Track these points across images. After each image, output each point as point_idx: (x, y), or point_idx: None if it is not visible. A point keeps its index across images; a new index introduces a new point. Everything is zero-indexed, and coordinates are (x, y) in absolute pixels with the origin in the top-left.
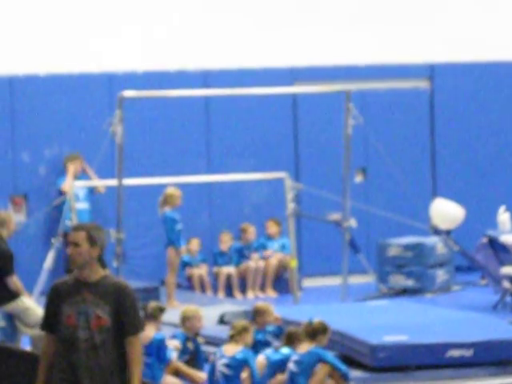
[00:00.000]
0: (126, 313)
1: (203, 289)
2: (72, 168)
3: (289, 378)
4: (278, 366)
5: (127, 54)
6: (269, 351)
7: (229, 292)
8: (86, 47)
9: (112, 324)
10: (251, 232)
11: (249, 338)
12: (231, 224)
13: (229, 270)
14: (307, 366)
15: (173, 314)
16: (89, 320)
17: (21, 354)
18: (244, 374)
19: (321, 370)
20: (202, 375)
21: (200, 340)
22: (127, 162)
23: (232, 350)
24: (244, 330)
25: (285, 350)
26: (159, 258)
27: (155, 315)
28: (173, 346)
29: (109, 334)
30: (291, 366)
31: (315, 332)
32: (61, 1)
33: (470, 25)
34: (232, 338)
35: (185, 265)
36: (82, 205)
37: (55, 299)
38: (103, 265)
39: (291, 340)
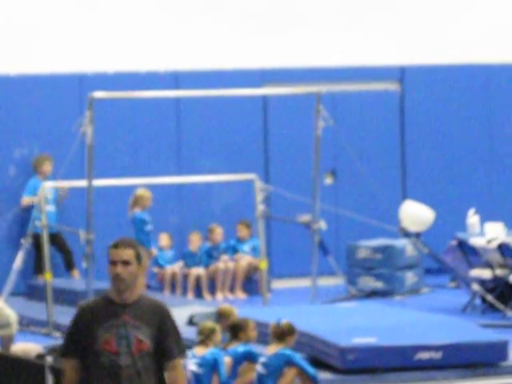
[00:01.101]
0: (169, 335)
1: (173, 289)
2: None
3: (257, 380)
4: (239, 361)
5: (98, 55)
6: (230, 349)
7: (198, 293)
8: (57, 47)
9: (153, 348)
10: (218, 233)
11: (217, 338)
12: (201, 225)
13: (198, 270)
14: (275, 367)
15: None
16: (130, 345)
17: None
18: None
19: (289, 372)
20: None
21: None
22: (97, 163)
23: (202, 351)
24: (211, 332)
25: (241, 348)
26: None
27: None
28: None
29: (150, 358)
30: (259, 367)
31: (283, 333)
32: (31, 2)
33: (440, 27)
34: (200, 340)
35: (157, 263)
36: (50, 207)
37: (86, 322)
38: (71, 266)
39: (236, 333)
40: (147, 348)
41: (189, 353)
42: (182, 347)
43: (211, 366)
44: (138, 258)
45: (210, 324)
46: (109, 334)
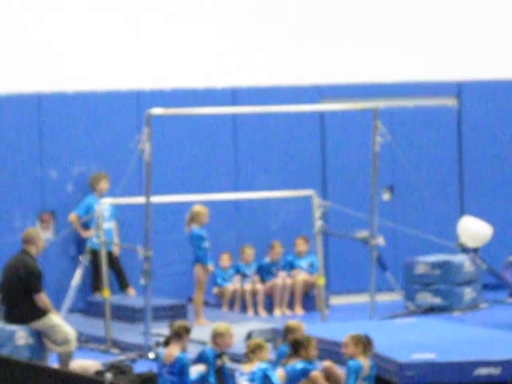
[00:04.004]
0: None
1: (232, 305)
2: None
3: None
4: (297, 378)
5: (155, 72)
6: (288, 365)
7: (255, 309)
8: (114, 64)
9: None
10: (278, 249)
11: (264, 354)
12: (259, 241)
13: (255, 287)
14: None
15: (200, 331)
16: None
17: (49, 372)
18: None
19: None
20: None
21: (225, 359)
22: (155, 180)
23: (249, 367)
24: (257, 347)
25: (299, 365)
26: (187, 275)
27: (180, 334)
28: (197, 370)
29: None
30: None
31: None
32: (87, 19)
33: (498, 42)
34: (246, 357)
35: (216, 283)
36: (107, 224)
37: None
38: (125, 285)
39: (297, 350)
40: None
41: (237, 371)
42: None
43: (262, 380)
44: None
45: (257, 340)
46: None
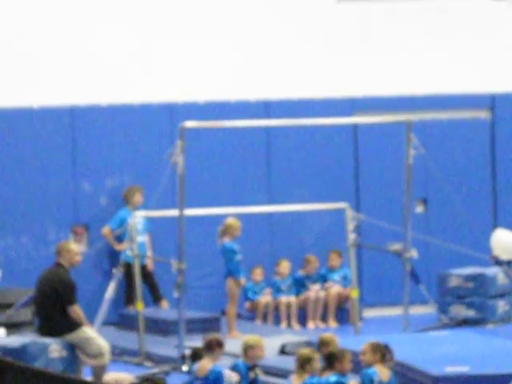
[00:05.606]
0: None
1: (265, 318)
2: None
3: None
4: None
5: (188, 85)
6: (323, 378)
7: (288, 322)
8: (148, 78)
9: None
10: (314, 263)
11: (314, 366)
12: (292, 254)
13: (289, 299)
14: None
15: (234, 344)
16: None
17: None
18: None
19: None
20: None
21: (258, 372)
22: (188, 193)
23: (298, 379)
24: (306, 360)
25: (333, 378)
26: (220, 288)
27: (213, 347)
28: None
29: None
30: None
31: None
32: (122, 32)
33: None
34: (297, 370)
35: (247, 298)
36: (140, 238)
37: None
38: (158, 298)
39: (331, 363)
40: None
41: (287, 381)
42: None
43: None
44: None
45: (306, 352)
46: None
